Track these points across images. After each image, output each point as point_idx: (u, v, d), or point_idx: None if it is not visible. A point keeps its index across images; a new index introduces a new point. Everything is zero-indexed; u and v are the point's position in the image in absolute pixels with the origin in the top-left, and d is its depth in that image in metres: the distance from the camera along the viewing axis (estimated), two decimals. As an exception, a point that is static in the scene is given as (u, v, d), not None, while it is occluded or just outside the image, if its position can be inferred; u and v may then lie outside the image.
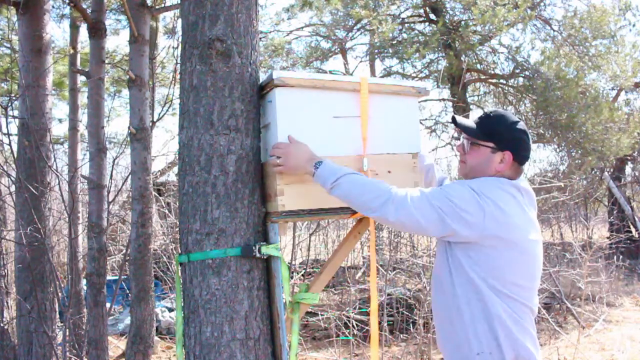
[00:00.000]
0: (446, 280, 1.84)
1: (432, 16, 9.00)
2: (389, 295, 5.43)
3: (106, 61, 5.10)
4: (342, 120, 2.05)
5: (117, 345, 5.71)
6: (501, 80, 9.31)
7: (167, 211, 7.34)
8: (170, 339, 5.96)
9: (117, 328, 6.30)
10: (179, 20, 2.90)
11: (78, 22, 6.16)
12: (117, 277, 6.07)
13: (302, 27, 10.50)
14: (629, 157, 10.44)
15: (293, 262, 7.80)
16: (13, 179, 3.79)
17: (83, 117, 6.62)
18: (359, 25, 9.49)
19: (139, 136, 3.82)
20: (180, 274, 2.10)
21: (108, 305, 3.95)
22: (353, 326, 5.01)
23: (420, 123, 8.91)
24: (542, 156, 23.78)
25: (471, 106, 9.71)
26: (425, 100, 9.64)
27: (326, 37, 10.04)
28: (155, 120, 4.93)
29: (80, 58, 6.91)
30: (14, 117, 3.91)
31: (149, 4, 4.00)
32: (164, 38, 9.44)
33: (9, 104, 3.79)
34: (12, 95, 4.50)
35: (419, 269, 5.60)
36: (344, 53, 10.35)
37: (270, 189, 2.02)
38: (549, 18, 8.69)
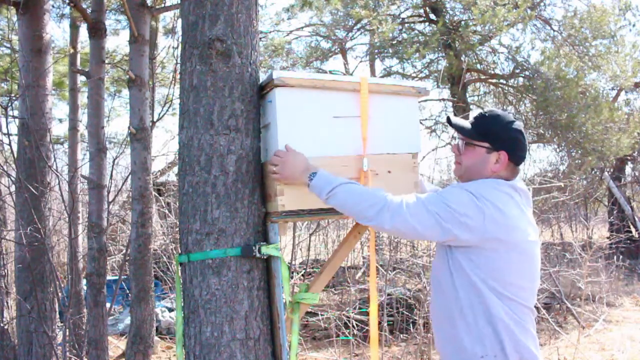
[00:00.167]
0: (447, 282, 1.83)
1: (432, 16, 9.00)
2: (389, 295, 5.43)
3: (106, 61, 5.10)
4: (342, 120, 2.05)
5: (117, 345, 5.71)
6: (501, 80, 9.31)
7: (167, 211, 7.34)
8: (170, 339, 5.96)
9: (117, 328, 6.30)
10: (179, 20, 2.90)
11: (78, 22, 6.16)
12: (117, 277, 6.07)
13: (302, 27, 10.50)
14: (629, 157, 10.44)
15: (293, 262, 7.80)
16: (13, 179, 3.79)
17: (83, 117, 6.62)
18: (359, 25, 9.49)
19: (139, 136, 3.82)
20: (180, 274, 2.09)
21: (108, 305, 3.95)
22: (353, 326, 5.01)
23: (420, 123, 8.91)
24: (542, 156, 23.76)
25: (471, 106, 9.71)
26: (425, 100, 9.64)
27: (326, 37, 10.04)
28: (155, 120, 4.94)
29: (80, 58, 6.92)
30: (14, 117, 3.91)
31: (149, 4, 4.00)
32: (164, 38, 9.45)
33: (9, 104, 3.79)
34: (12, 95, 4.50)
35: (419, 269, 5.60)
36: (344, 53, 10.35)
37: (270, 189, 2.02)
38: (549, 18, 8.69)
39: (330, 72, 2.65)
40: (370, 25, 8.14)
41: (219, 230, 1.96)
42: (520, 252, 1.78)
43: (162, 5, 5.06)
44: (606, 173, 10.34)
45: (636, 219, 10.32)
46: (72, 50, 6.19)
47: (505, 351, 1.74)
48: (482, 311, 1.76)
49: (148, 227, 3.86)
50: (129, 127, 3.83)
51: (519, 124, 1.90)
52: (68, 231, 4.21)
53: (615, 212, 10.24)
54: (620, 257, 7.99)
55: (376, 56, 9.69)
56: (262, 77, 2.10)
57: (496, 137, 1.87)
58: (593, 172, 10.39)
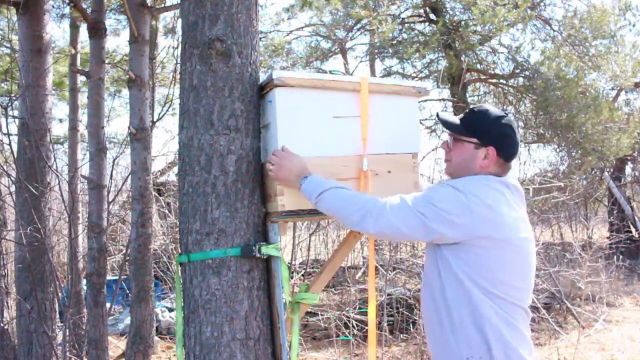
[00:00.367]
0: (435, 282, 1.80)
1: (432, 16, 9.00)
2: (389, 295, 5.43)
3: (106, 61, 5.10)
4: (342, 120, 2.05)
5: (117, 345, 5.71)
6: (501, 80, 9.31)
7: (167, 211, 7.34)
8: (170, 339, 5.96)
9: (117, 328, 6.30)
10: (179, 20, 2.90)
11: (78, 22, 6.16)
12: (117, 277, 6.07)
13: (302, 27, 10.49)
14: (629, 157, 10.44)
15: (293, 262, 7.80)
16: (13, 179, 3.79)
17: (83, 117, 6.62)
18: (359, 25, 9.48)
19: (139, 136, 3.82)
20: (180, 274, 2.10)
21: (108, 305, 3.95)
22: (353, 326, 5.01)
23: (420, 123, 8.91)
24: (542, 156, 23.78)
25: (471, 106, 9.68)
26: (425, 100, 9.64)
27: (326, 37, 10.03)
28: (155, 120, 4.94)
29: (80, 58, 6.92)
30: (14, 117, 3.91)
31: (149, 4, 4.00)
32: (164, 38, 9.44)
33: (9, 104, 3.79)
34: (12, 95, 4.50)
35: (419, 269, 5.61)
36: (344, 53, 10.34)
37: (270, 189, 2.02)
38: (549, 18, 8.69)
39: (330, 72, 2.65)
40: (370, 25, 8.13)
41: (219, 230, 1.96)
42: (512, 249, 1.74)
43: (162, 5, 5.06)
44: (606, 173, 10.34)
45: (636, 219, 10.32)
46: (72, 50, 6.19)
47: (492, 352, 1.69)
48: (470, 311, 1.72)
49: (148, 227, 3.86)
50: (129, 127, 3.83)
51: (509, 119, 1.86)
52: (68, 231, 4.21)
53: (615, 212, 10.23)
54: (620, 257, 7.99)
55: (376, 56, 9.69)
56: (262, 77, 2.10)
57: (484, 133, 1.84)
58: (593, 172, 10.38)
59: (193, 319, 1.98)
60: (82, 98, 6.84)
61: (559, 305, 6.44)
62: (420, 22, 9.52)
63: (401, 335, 5.54)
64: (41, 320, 3.61)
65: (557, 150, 9.83)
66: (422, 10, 9.29)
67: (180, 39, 2.18)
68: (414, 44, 7.86)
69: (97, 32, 4.10)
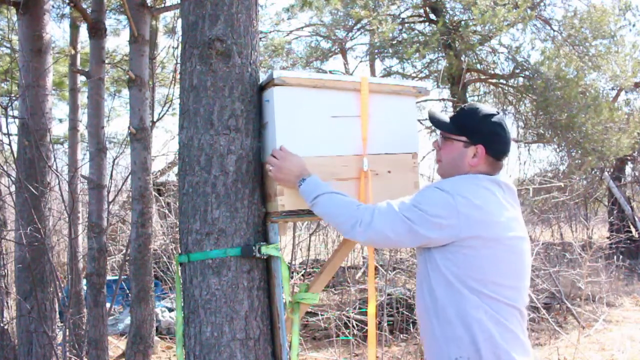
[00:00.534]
0: (425, 283, 1.79)
1: (432, 16, 8.99)
2: (389, 295, 5.43)
3: (106, 61, 5.10)
4: (342, 119, 2.05)
5: (117, 345, 5.71)
6: (501, 80, 9.30)
7: (167, 211, 7.34)
8: (170, 339, 5.96)
9: (117, 328, 6.30)
10: (179, 20, 2.90)
11: (78, 22, 6.16)
12: (117, 277, 6.07)
13: (302, 27, 10.49)
14: (629, 157, 10.43)
15: (293, 262, 7.81)
16: (13, 179, 3.79)
17: (83, 117, 6.62)
18: (359, 25, 9.48)
19: (139, 136, 3.82)
20: (180, 274, 2.09)
21: (108, 305, 3.95)
22: (353, 326, 5.01)
23: (421, 123, 8.91)
24: (542, 156, 23.74)
25: (462, 105, 9.67)
26: (425, 100, 9.63)
27: (326, 37, 10.03)
28: (155, 120, 4.94)
29: (80, 58, 6.92)
30: (14, 117, 3.91)
31: (149, 4, 4.00)
32: (164, 38, 9.44)
33: (9, 104, 3.79)
34: (12, 95, 4.50)
35: (419, 269, 5.59)
36: (344, 53, 10.34)
37: (270, 189, 2.02)
38: (549, 18, 8.68)
39: (331, 72, 2.65)
40: (370, 25, 8.13)
41: (219, 230, 1.96)
42: (503, 248, 1.71)
43: (162, 5, 5.06)
44: (606, 173, 10.34)
45: (636, 219, 10.32)
46: (72, 50, 6.19)
47: (480, 353, 1.67)
48: (458, 311, 1.70)
49: (148, 227, 3.86)
50: (129, 127, 3.83)
51: (499, 118, 1.83)
52: (68, 231, 4.21)
53: (615, 212, 10.23)
54: (620, 257, 7.98)
55: (376, 56, 9.68)
56: (262, 77, 2.10)
57: (473, 131, 1.82)
58: (593, 172, 10.38)
59: (193, 319, 1.98)
60: (82, 98, 6.84)
61: (559, 305, 6.44)
62: (420, 22, 9.52)
63: (401, 335, 5.54)
64: (41, 320, 3.61)
65: (557, 150, 9.83)
66: (422, 10, 9.28)
67: (180, 39, 2.18)
68: (414, 44, 7.86)
69: (97, 32, 4.10)
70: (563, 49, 8.11)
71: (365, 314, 5.19)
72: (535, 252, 5.88)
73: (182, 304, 2.07)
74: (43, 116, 3.80)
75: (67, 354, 3.53)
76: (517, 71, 8.72)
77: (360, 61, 10.76)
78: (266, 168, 1.99)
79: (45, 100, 3.85)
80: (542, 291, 6.07)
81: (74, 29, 6.33)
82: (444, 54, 8.96)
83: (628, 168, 11.76)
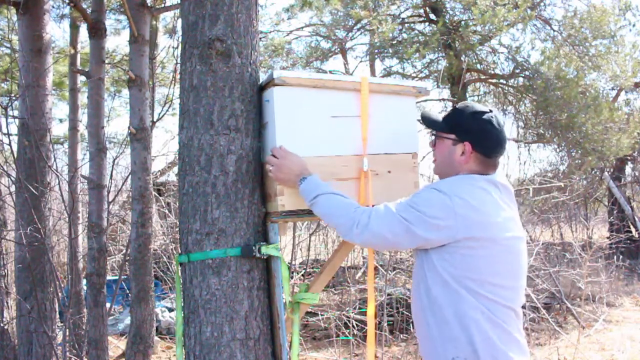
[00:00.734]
0: (422, 283, 1.78)
1: (432, 16, 8.99)
2: (389, 295, 5.43)
3: (106, 61, 5.10)
4: (342, 119, 2.05)
5: (117, 345, 5.71)
6: (501, 80, 9.30)
7: (167, 211, 7.34)
8: (170, 339, 5.96)
9: (117, 328, 6.30)
10: (179, 20, 2.90)
11: (78, 22, 6.16)
12: (117, 277, 6.07)
13: (302, 27, 10.49)
14: (629, 157, 10.43)
15: (293, 262, 7.81)
16: (13, 179, 3.79)
17: (83, 117, 6.63)
18: (359, 25, 9.48)
19: (139, 136, 3.82)
20: (180, 274, 2.09)
21: (108, 305, 3.95)
22: (353, 326, 5.01)
23: (421, 123, 8.90)
24: (542, 156, 23.74)
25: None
26: (425, 100, 9.63)
27: (326, 37, 10.03)
28: (155, 120, 4.94)
29: (80, 58, 6.92)
30: (14, 117, 3.91)
31: (149, 4, 4.00)
32: (164, 38, 9.44)
33: (9, 104, 3.79)
34: (12, 95, 4.50)
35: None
36: (344, 53, 10.34)
37: (270, 189, 2.02)
38: (549, 18, 8.68)
39: (331, 72, 2.65)
40: (370, 25, 8.13)
41: (219, 230, 1.96)
42: (500, 249, 1.71)
43: (162, 5, 5.06)
44: (606, 173, 10.34)
45: (636, 219, 10.32)
46: (72, 50, 6.19)
47: (478, 353, 1.67)
48: (455, 311, 1.70)
49: (148, 227, 3.86)
50: (129, 127, 3.83)
51: (489, 115, 1.82)
52: (68, 231, 4.21)
53: (615, 212, 10.23)
54: (620, 257, 7.99)
55: (376, 56, 9.68)
56: (262, 77, 2.10)
57: (461, 128, 1.82)
58: (593, 172, 10.38)
59: (193, 319, 1.98)
60: (82, 98, 6.84)
61: (559, 305, 6.44)
62: (420, 22, 9.52)
63: (401, 335, 5.54)
64: (41, 320, 3.61)
65: (557, 150, 9.83)
66: (422, 10, 9.28)
67: (180, 39, 2.18)
68: (414, 44, 7.86)
69: (97, 32, 4.11)
70: (563, 49, 8.11)
71: (365, 314, 5.19)
72: (535, 252, 5.88)
73: (182, 304, 2.07)
74: (43, 116, 3.80)
75: (67, 354, 3.53)
76: (517, 71, 8.72)
77: (360, 61, 10.77)
78: (266, 168, 1.99)
79: (45, 100, 3.85)
80: (542, 291, 6.07)
81: (74, 29, 6.33)
82: (444, 54, 8.96)
83: (628, 168, 11.77)
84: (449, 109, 9.59)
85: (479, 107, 1.86)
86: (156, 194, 7.02)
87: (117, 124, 24.05)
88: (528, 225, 8.59)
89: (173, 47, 5.69)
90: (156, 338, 5.45)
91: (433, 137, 1.93)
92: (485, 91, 10.66)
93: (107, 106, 4.56)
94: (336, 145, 2.03)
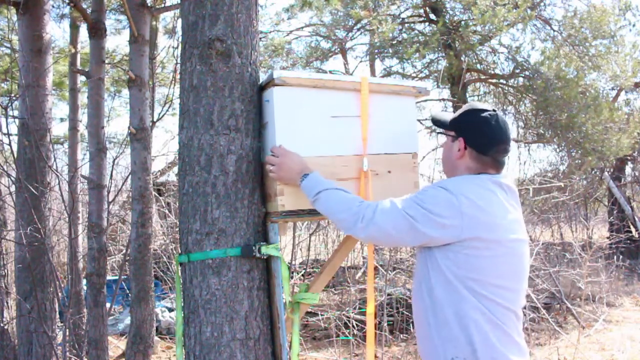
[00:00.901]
0: (424, 282, 1.78)
1: (432, 16, 8.99)
2: (389, 295, 5.43)
3: (106, 61, 5.10)
4: (342, 119, 2.05)
5: (117, 345, 5.71)
6: (501, 80, 9.31)
7: (167, 211, 7.34)
8: (170, 339, 5.96)
9: (117, 328, 6.30)
10: (179, 20, 2.90)
11: (78, 22, 6.17)
12: (117, 277, 6.07)
13: (302, 27, 10.49)
14: (629, 157, 10.43)
15: (293, 262, 7.81)
16: (13, 179, 3.79)
17: (83, 117, 6.63)
18: (359, 25, 9.48)
19: (139, 136, 3.82)
20: (180, 274, 2.09)
21: (108, 305, 3.95)
22: (353, 326, 5.02)
23: (421, 123, 8.91)
24: (542, 156, 23.73)
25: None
26: (425, 100, 9.65)
27: (326, 37, 10.03)
28: (155, 120, 4.94)
29: (80, 58, 6.92)
30: (14, 117, 3.91)
31: (149, 4, 4.00)
32: (164, 38, 9.45)
33: (9, 104, 3.79)
34: (12, 95, 4.50)
35: (419, 269, 5.59)
36: (344, 53, 10.34)
37: (270, 189, 2.02)
38: (549, 18, 8.68)
39: (331, 72, 2.65)
40: (370, 25, 8.13)
41: (219, 230, 1.96)
42: (504, 250, 1.71)
43: (162, 5, 5.06)
44: (606, 173, 10.34)
45: (636, 219, 10.32)
46: (72, 50, 6.19)
47: (477, 354, 1.66)
48: (456, 311, 1.69)
49: (148, 227, 3.86)
50: (129, 127, 3.83)
51: (490, 113, 1.82)
52: (68, 231, 4.21)
53: (615, 212, 10.23)
54: (620, 257, 7.99)
55: (376, 56, 9.68)
56: (262, 77, 2.10)
57: (459, 124, 1.84)
58: (593, 172, 10.38)
59: (193, 319, 1.98)
60: (82, 98, 6.84)
61: (559, 305, 6.45)
62: (420, 22, 9.52)
63: (401, 335, 5.54)
64: (41, 320, 3.61)
65: (557, 150, 9.84)
66: (422, 10, 9.28)
67: (180, 39, 2.18)
68: (414, 44, 7.86)
69: (97, 32, 4.11)
70: (563, 49, 8.11)
71: (365, 314, 5.19)
72: (535, 252, 5.88)
73: (182, 304, 2.07)
74: (43, 116, 3.80)
75: (67, 354, 3.53)
76: (517, 71, 8.72)
77: (360, 61, 10.78)
78: (266, 167, 1.99)
79: (45, 100, 3.85)
80: (542, 291, 6.07)
81: (74, 29, 6.33)
82: (444, 54, 8.97)
83: (628, 168, 11.77)
84: (449, 109, 9.61)
85: (481, 106, 1.87)
86: (156, 194, 7.02)
87: (117, 124, 24.07)
88: (528, 225, 8.58)
89: (173, 47, 5.70)
90: (156, 338, 5.45)
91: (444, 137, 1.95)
92: (485, 91, 10.67)
93: (107, 106, 4.56)
94: (336, 146, 2.03)
